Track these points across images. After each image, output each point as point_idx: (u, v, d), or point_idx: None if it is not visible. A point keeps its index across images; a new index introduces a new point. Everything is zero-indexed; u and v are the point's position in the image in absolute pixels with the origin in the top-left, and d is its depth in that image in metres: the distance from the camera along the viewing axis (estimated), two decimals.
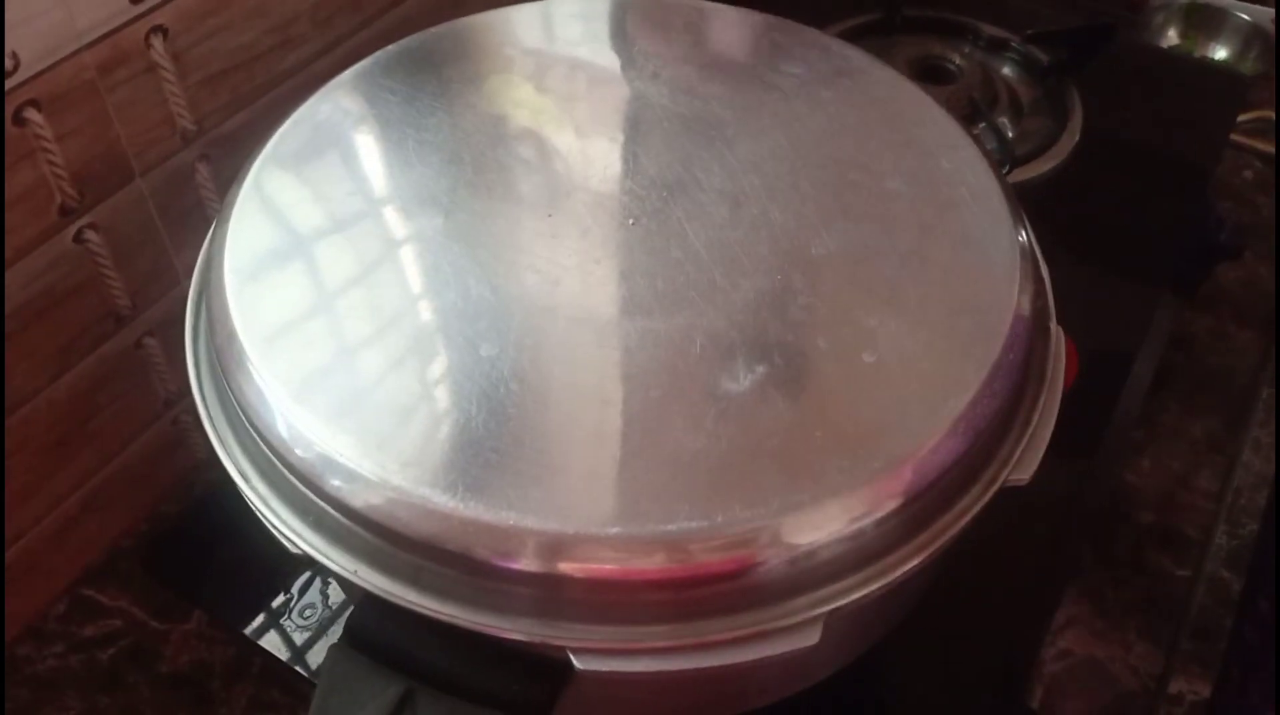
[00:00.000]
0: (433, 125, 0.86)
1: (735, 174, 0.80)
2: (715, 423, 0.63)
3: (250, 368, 0.69)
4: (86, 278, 1.00)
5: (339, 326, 0.71)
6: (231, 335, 0.71)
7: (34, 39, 0.85)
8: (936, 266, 0.74)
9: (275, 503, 0.69)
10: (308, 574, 1.07)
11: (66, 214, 0.95)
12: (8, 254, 0.91)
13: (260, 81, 1.07)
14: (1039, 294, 0.76)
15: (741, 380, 0.65)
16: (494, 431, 0.63)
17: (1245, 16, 1.58)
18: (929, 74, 1.36)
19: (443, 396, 0.66)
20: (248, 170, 0.84)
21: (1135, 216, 1.32)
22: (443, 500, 0.61)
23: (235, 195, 0.82)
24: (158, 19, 0.94)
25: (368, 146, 0.84)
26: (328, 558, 0.65)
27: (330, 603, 1.05)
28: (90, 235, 0.98)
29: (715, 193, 0.79)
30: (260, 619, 1.05)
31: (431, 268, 0.74)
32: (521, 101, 0.87)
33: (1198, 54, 1.61)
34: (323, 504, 0.65)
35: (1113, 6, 1.65)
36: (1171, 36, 1.63)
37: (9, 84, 0.85)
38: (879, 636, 0.81)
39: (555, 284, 0.72)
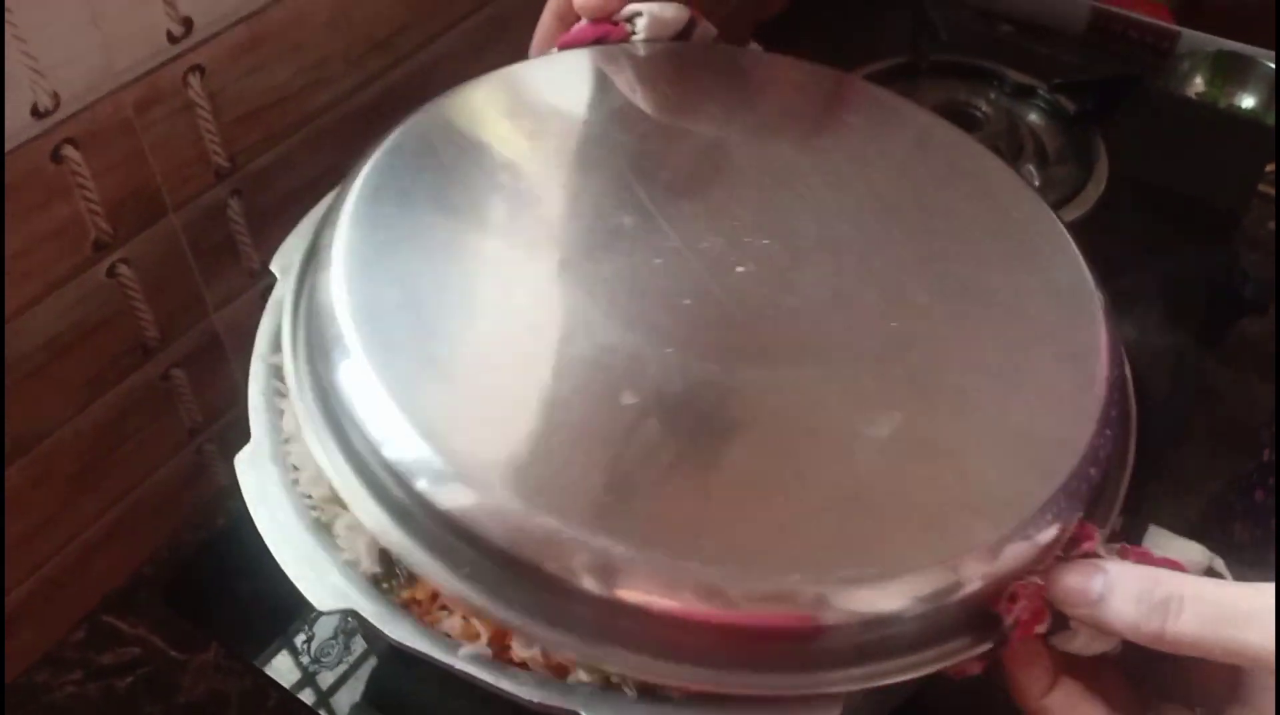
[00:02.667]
0: (515, 166, 0.86)
1: (827, 222, 0.81)
2: (844, 475, 0.65)
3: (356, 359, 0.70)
4: (117, 310, 1.02)
5: (466, 359, 0.73)
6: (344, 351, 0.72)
7: (74, 79, 0.87)
8: (1031, 318, 0.76)
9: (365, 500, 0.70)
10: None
11: (100, 249, 0.97)
12: (41, 289, 0.92)
13: (293, 119, 1.08)
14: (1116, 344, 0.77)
15: (876, 431, 0.66)
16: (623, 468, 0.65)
17: (1273, 65, 1.59)
18: (954, 120, 1.36)
19: (572, 430, 0.67)
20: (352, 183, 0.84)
21: (1160, 267, 1.32)
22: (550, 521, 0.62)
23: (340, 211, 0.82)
24: (195, 58, 0.96)
25: (470, 176, 0.84)
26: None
27: (349, 643, 1.06)
28: (123, 269, 1.00)
29: (813, 241, 0.79)
30: (279, 654, 1.06)
31: (554, 305, 0.75)
32: (601, 148, 0.88)
33: (1224, 103, 1.61)
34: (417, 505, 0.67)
35: (1140, 53, 1.65)
36: (1198, 84, 1.63)
37: (48, 123, 0.87)
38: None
39: (675, 324, 0.73)
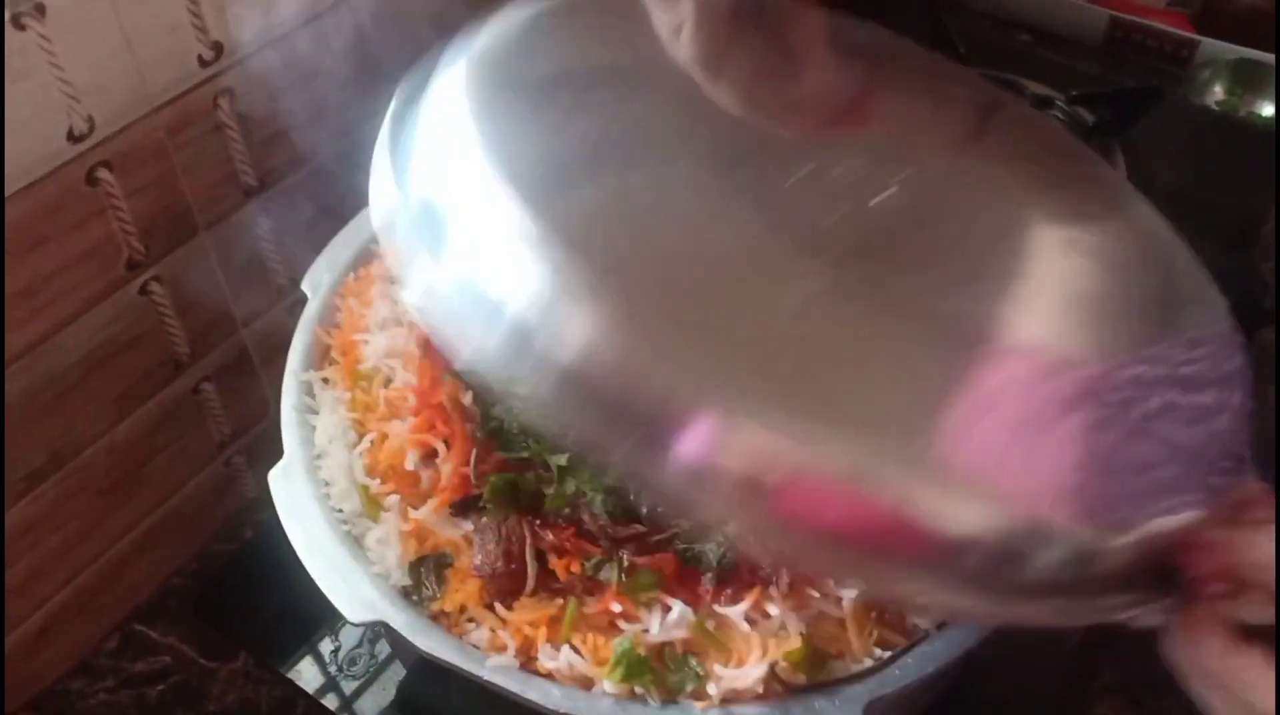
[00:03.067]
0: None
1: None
2: None
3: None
4: (149, 327, 1.04)
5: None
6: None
7: (109, 103, 0.89)
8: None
9: None
10: None
11: (133, 268, 0.99)
12: (76, 307, 0.95)
13: (320, 137, 1.10)
14: None
15: None
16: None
17: None
18: None
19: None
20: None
21: None
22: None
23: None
24: (226, 82, 0.98)
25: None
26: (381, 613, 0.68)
27: (375, 651, 1.08)
28: (154, 287, 1.02)
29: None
30: (305, 661, 1.08)
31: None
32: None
33: (1244, 111, 1.61)
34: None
35: (1158, 62, 1.65)
36: (1217, 93, 1.63)
37: (83, 147, 0.89)
38: None
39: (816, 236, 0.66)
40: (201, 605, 1.14)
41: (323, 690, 1.07)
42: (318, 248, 1.01)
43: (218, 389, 1.15)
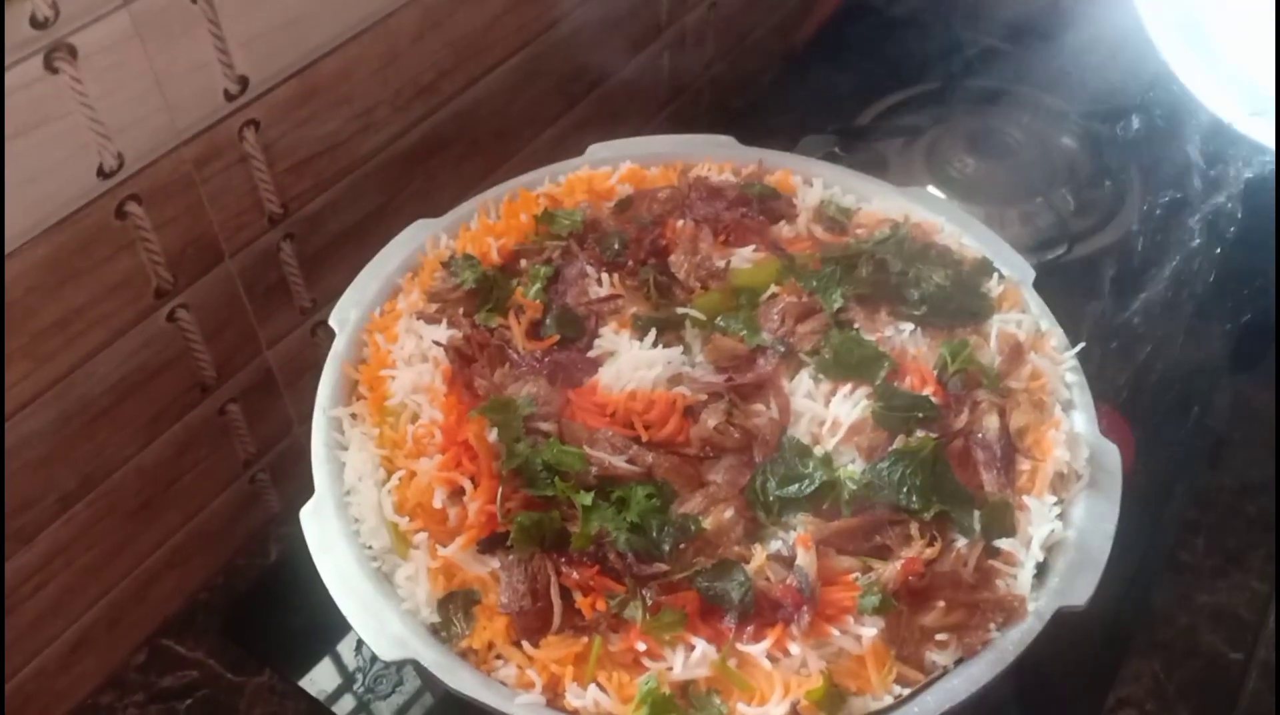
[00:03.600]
0: None
1: None
2: None
3: None
4: (177, 353, 1.05)
5: None
6: None
7: (138, 140, 0.90)
8: None
9: None
10: None
11: (161, 297, 1.00)
12: (107, 336, 0.97)
13: (342, 165, 1.11)
14: None
15: None
16: None
17: None
18: (987, 147, 1.39)
19: None
20: None
21: (1197, 292, 1.33)
22: None
23: None
24: (251, 114, 0.99)
25: None
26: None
27: (402, 674, 1.09)
28: (182, 314, 1.03)
29: None
30: (331, 676, 1.10)
31: None
32: None
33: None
34: None
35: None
36: None
37: (113, 182, 0.91)
38: None
39: None
40: (229, 621, 1.16)
41: (353, 712, 1.09)
42: (339, 270, 1.02)
43: (243, 410, 1.16)
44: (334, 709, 1.09)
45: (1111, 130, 1.40)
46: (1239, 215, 1.28)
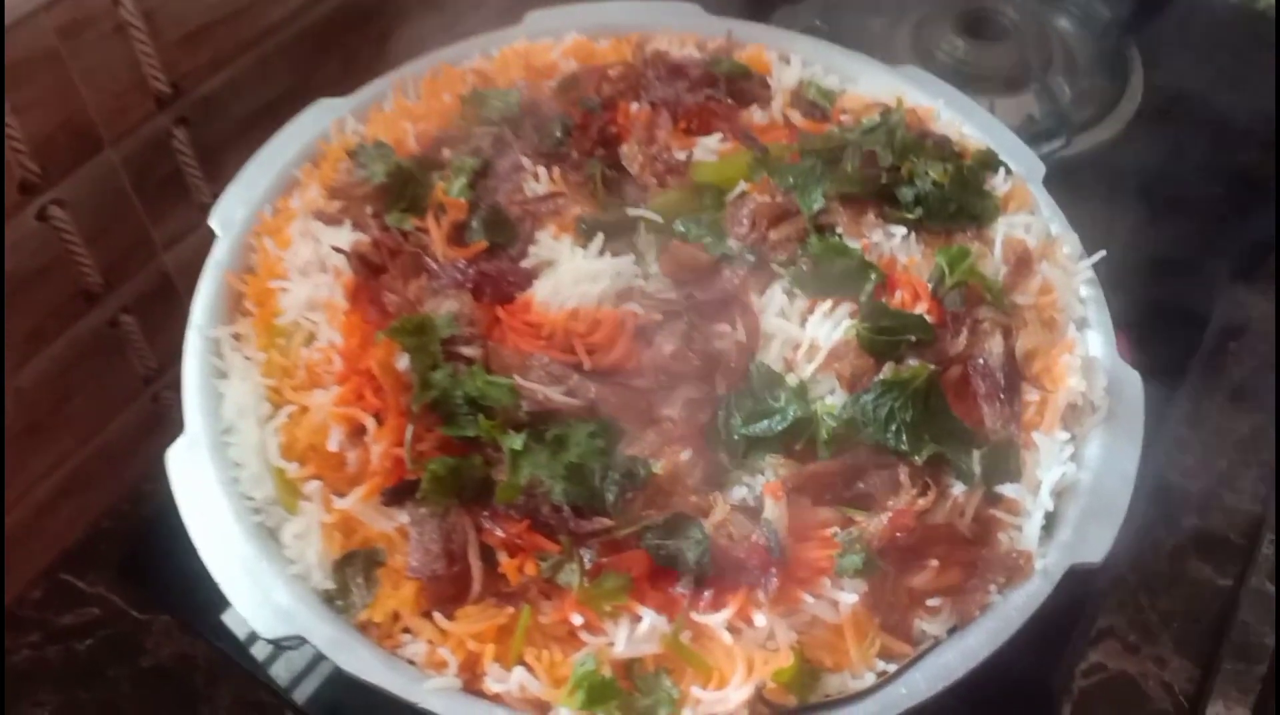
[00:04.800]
0: None
1: None
2: None
3: None
4: (53, 257, 0.90)
5: None
6: None
7: None
8: None
9: None
10: None
11: (28, 192, 0.84)
12: None
13: (245, 37, 0.94)
14: None
15: None
16: None
17: None
18: (980, 29, 1.22)
19: None
20: None
21: (1197, 188, 1.19)
22: None
23: None
24: None
25: None
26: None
27: None
28: (55, 212, 0.88)
29: None
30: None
31: None
32: None
33: (1263, 4, 1.45)
34: None
35: None
36: None
37: None
38: None
39: None
40: (132, 555, 1.02)
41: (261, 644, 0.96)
42: (244, 159, 0.86)
43: (139, 321, 1.02)
44: (251, 651, 0.96)
45: (1113, 10, 1.24)
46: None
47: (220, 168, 0.98)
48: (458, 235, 0.76)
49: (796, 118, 0.85)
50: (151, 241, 0.99)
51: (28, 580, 1.01)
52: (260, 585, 0.62)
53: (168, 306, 1.03)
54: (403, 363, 0.66)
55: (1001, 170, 0.81)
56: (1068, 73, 1.23)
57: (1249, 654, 1.01)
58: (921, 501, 0.63)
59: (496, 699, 0.59)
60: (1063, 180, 0.92)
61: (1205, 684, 1.00)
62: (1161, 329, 1.12)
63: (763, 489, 0.64)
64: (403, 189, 0.77)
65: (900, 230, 0.77)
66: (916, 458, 0.66)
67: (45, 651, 0.98)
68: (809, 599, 0.61)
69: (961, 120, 0.86)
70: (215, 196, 1.00)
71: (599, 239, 0.74)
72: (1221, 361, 1.20)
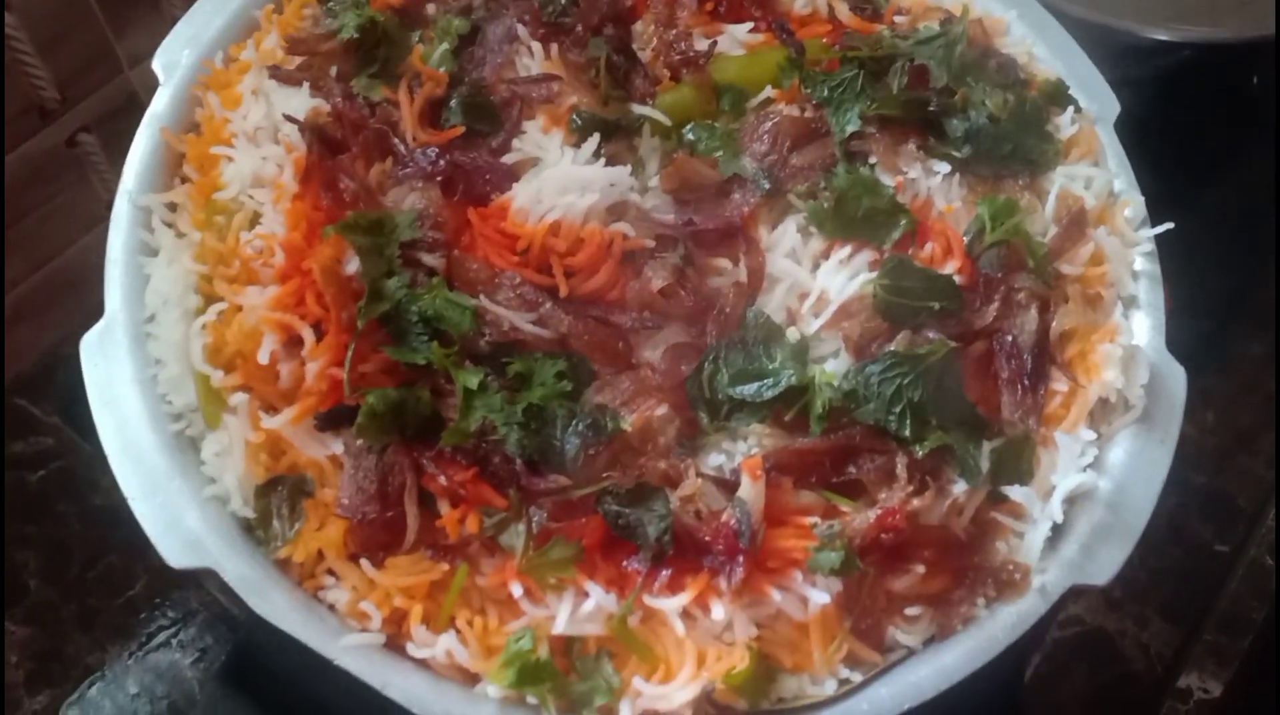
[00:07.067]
0: None
1: None
2: None
3: None
4: (2, 69, 0.80)
5: None
6: None
7: None
8: None
9: None
10: None
11: None
12: None
13: None
14: None
15: None
16: None
17: None
18: None
19: None
20: None
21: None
22: None
23: None
24: None
25: None
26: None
27: None
28: (5, 19, 0.77)
29: None
30: None
31: None
32: None
33: None
34: None
35: None
36: None
37: None
38: None
39: None
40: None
41: None
42: None
43: (101, 140, 0.93)
44: None
45: None
46: None
47: None
48: (432, 114, 0.64)
49: (844, 11, 0.70)
50: (115, 55, 0.88)
51: None
52: (170, 507, 0.54)
53: (133, 126, 0.93)
54: (353, 265, 0.56)
55: (1070, 109, 0.68)
56: None
57: (1234, 626, 0.96)
58: (916, 502, 0.54)
59: (419, 664, 0.53)
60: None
61: (1184, 651, 0.96)
62: (1204, 274, 1.02)
63: (741, 464, 0.55)
64: (374, 49, 0.64)
65: (943, 168, 0.65)
66: (918, 450, 0.56)
67: None
68: (776, 594, 0.53)
69: (1034, 39, 0.71)
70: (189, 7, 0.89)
71: (594, 140, 0.62)
72: (1264, 304, 1.11)
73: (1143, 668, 0.97)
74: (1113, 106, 0.70)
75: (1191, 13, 0.94)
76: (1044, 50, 0.71)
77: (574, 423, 0.55)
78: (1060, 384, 0.60)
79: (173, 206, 0.62)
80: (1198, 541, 1.02)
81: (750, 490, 0.54)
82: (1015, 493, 0.57)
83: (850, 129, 0.64)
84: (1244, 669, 0.95)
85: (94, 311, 0.99)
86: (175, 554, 0.53)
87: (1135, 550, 0.95)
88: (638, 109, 0.64)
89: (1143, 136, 0.72)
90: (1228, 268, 1.09)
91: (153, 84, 0.89)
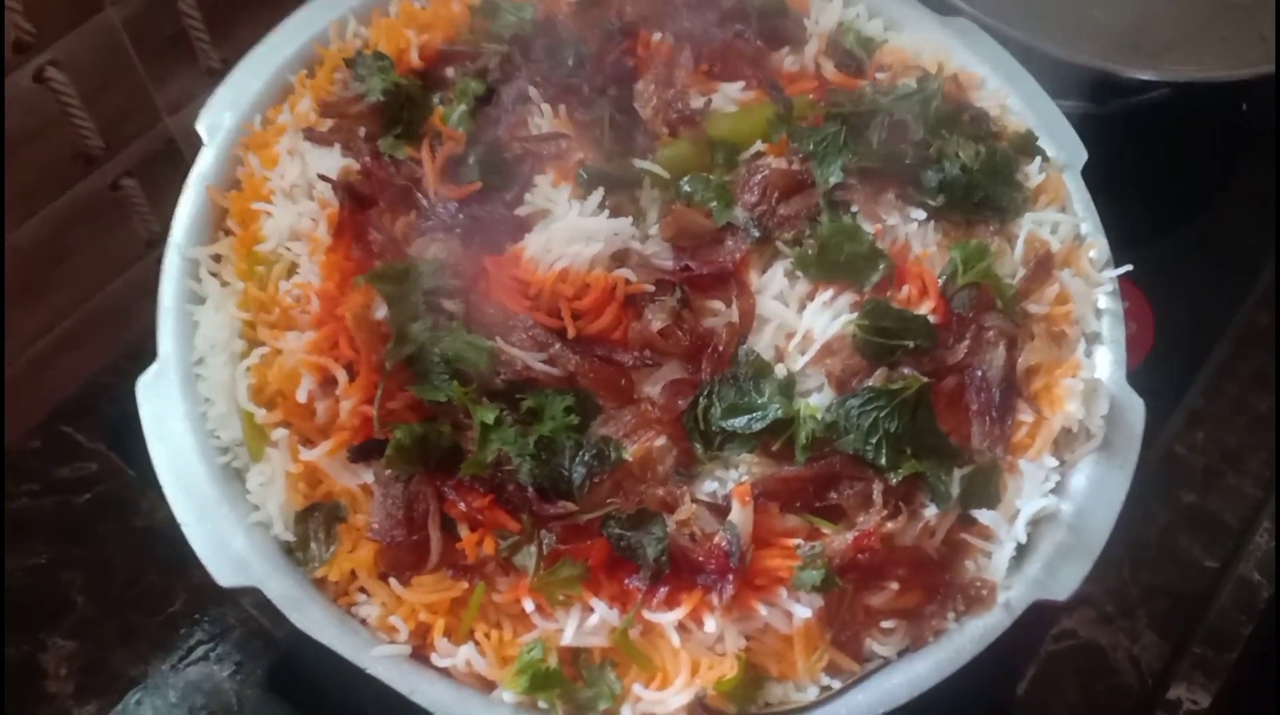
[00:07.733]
0: None
1: None
2: None
3: None
4: (50, 118, 0.86)
5: None
6: None
7: None
8: None
9: None
10: None
11: (23, 51, 0.80)
12: None
13: None
14: None
15: None
16: None
17: None
18: None
19: None
20: None
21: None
22: None
23: None
24: None
25: None
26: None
27: None
28: (52, 73, 0.83)
29: None
30: None
31: None
32: None
33: None
34: None
35: None
36: None
37: None
38: None
39: None
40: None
41: None
42: (257, 24, 0.80)
43: (142, 184, 0.99)
44: None
45: None
46: None
47: (229, 30, 0.94)
48: (452, 170, 0.70)
49: (829, 68, 0.77)
50: (154, 105, 0.95)
51: (27, 430, 1.02)
52: (220, 532, 0.61)
53: (173, 171, 0.99)
54: (381, 312, 0.63)
55: (1038, 158, 0.75)
56: None
57: (1222, 640, 1.00)
58: (891, 525, 0.61)
59: (442, 672, 0.60)
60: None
61: (1173, 664, 1.00)
62: (1192, 296, 1.07)
63: (732, 491, 0.62)
64: (399, 111, 0.72)
65: (919, 215, 0.71)
66: (893, 477, 0.62)
67: (43, 501, 0.99)
68: (763, 609, 0.60)
69: (1009, 90, 0.78)
70: (223, 61, 0.96)
71: (599, 193, 0.69)
72: (1248, 330, 1.15)
73: (1133, 680, 1.00)
74: (1080, 154, 0.76)
75: (1172, 50, 1.00)
76: (1017, 101, 0.78)
77: (581, 453, 0.62)
78: (1026, 415, 0.66)
79: (218, 258, 0.69)
80: (1187, 558, 1.06)
81: (740, 515, 0.61)
82: (983, 516, 0.64)
83: (834, 180, 0.71)
84: (1231, 682, 0.99)
85: (134, 343, 1.06)
86: (224, 574, 0.60)
87: (1126, 567, 1.01)
88: (639, 163, 0.71)
89: (1130, 168, 0.78)
90: (1215, 289, 1.13)
91: (188, 130, 0.97)
